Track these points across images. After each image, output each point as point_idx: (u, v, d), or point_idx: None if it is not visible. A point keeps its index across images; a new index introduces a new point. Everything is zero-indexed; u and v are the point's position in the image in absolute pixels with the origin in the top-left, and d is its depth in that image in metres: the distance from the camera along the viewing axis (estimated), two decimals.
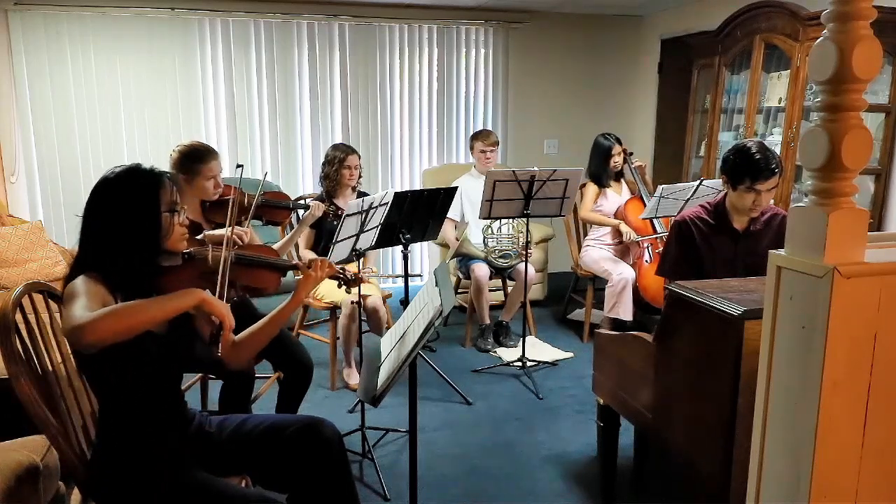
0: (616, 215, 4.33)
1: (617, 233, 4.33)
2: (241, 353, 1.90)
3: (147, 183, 1.70)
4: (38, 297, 1.83)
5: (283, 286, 2.43)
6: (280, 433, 1.85)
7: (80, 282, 1.60)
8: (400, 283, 4.62)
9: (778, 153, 3.86)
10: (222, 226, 2.87)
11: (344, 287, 2.24)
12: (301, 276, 2.02)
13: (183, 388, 3.02)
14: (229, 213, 2.36)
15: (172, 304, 1.58)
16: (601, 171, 4.38)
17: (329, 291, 3.64)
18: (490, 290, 4.30)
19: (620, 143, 4.37)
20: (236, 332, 1.94)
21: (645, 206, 4.15)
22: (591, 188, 4.39)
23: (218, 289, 1.76)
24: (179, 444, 1.78)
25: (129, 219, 1.67)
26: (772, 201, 2.67)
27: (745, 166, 2.52)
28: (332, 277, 2.16)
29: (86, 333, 1.43)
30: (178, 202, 1.74)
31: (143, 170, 1.73)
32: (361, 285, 3.02)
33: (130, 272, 1.67)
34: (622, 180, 4.51)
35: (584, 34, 5.75)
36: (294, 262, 2.09)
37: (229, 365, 1.94)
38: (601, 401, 2.57)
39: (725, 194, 2.68)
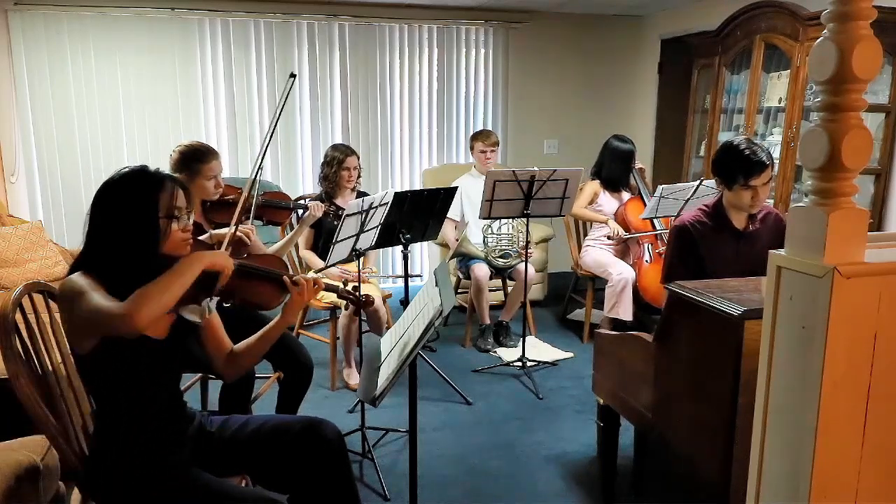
0: (616, 215, 4.32)
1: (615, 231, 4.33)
2: (237, 365, 1.96)
3: (146, 186, 1.67)
4: (38, 297, 1.83)
5: None
6: (283, 436, 1.85)
7: (79, 277, 1.59)
8: (400, 283, 4.62)
9: (776, 152, 3.91)
10: (223, 226, 2.88)
11: (352, 308, 2.18)
12: (289, 296, 1.94)
13: (183, 388, 3.03)
14: (235, 216, 2.33)
15: (188, 275, 1.59)
16: (621, 176, 4.33)
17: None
18: (490, 290, 4.29)
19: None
20: (237, 339, 1.98)
21: (645, 205, 4.15)
22: (590, 187, 4.37)
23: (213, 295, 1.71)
24: (179, 444, 1.78)
25: (124, 221, 1.64)
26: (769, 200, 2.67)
27: (737, 165, 2.51)
28: (340, 297, 2.16)
29: (135, 320, 1.46)
30: (180, 207, 1.71)
31: (145, 172, 1.69)
32: (362, 285, 3.02)
33: (125, 276, 1.62)
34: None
35: (584, 34, 5.75)
36: (286, 275, 1.97)
37: (227, 377, 2.02)
38: (601, 401, 2.57)
39: (722, 194, 2.68)
